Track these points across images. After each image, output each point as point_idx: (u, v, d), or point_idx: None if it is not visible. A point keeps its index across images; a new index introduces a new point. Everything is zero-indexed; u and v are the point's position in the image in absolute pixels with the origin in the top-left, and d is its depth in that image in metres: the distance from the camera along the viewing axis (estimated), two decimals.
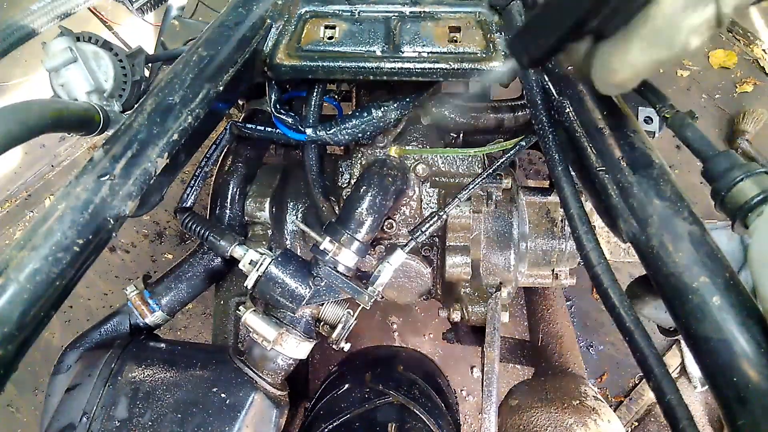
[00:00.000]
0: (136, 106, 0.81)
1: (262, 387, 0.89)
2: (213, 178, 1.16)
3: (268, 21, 0.95)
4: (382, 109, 0.99)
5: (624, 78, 0.58)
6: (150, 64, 1.04)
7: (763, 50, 2.46)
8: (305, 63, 0.93)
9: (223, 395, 0.86)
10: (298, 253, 0.99)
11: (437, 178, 1.15)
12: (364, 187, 0.99)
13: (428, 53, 0.92)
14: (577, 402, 1.12)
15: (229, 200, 1.12)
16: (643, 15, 0.52)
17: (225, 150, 1.15)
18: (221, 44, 0.87)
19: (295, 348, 0.93)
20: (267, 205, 1.12)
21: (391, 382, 1.09)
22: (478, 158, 1.17)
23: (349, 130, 0.98)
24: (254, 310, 0.92)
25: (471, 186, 1.03)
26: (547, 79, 0.85)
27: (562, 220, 1.17)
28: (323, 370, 1.98)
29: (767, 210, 0.58)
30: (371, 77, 0.93)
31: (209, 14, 2.28)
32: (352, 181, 1.15)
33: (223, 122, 1.06)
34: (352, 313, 0.96)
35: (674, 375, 2.10)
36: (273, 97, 0.99)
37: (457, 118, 1.12)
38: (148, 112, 0.78)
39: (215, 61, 0.85)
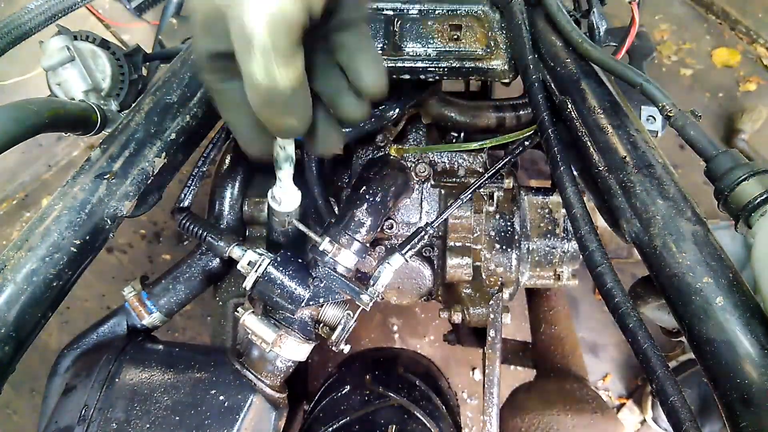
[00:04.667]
0: (133, 105, 0.80)
1: (261, 389, 0.88)
2: (211, 178, 1.15)
3: None
4: (380, 108, 0.98)
5: None
6: (148, 63, 1.04)
7: (767, 48, 2.45)
8: None
9: (221, 397, 0.85)
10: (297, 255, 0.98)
11: (438, 178, 1.15)
12: (364, 187, 0.99)
13: (429, 52, 0.92)
14: (580, 404, 1.12)
15: (227, 200, 1.11)
16: None
17: (223, 149, 1.14)
18: None
19: (295, 350, 0.92)
20: (266, 206, 1.11)
21: (392, 384, 1.08)
22: (480, 158, 1.17)
23: (347, 130, 0.98)
24: (253, 312, 0.91)
25: (473, 187, 1.02)
26: (549, 77, 0.85)
27: (564, 221, 1.16)
28: (323, 372, 1.98)
29: None
30: None
31: None
32: (352, 181, 1.14)
33: (221, 122, 1.06)
34: (351, 315, 0.95)
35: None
36: None
37: (457, 117, 1.11)
38: (145, 112, 0.78)
39: None
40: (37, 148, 2.37)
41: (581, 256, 0.74)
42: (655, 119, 0.98)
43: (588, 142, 0.76)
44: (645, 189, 0.67)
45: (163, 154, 0.76)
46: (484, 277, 1.13)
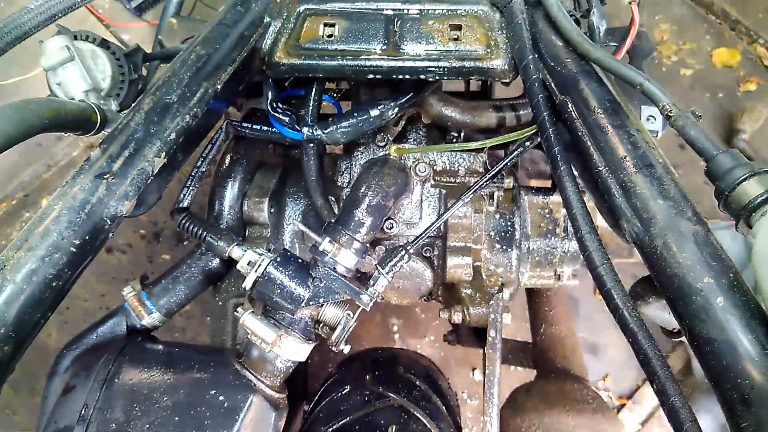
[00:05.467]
0: (133, 105, 0.80)
1: (261, 389, 0.88)
2: (211, 178, 1.15)
3: (267, 19, 0.94)
4: (379, 108, 0.98)
5: None
6: (148, 63, 1.04)
7: (767, 48, 2.45)
8: (304, 61, 0.92)
9: (221, 398, 0.85)
10: (298, 254, 0.98)
11: (438, 178, 1.15)
12: (364, 188, 0.99)
13: (429, 52, 0.91)
14: (580, 404, 1.12)
15: (227, 200, 1.11)
16: None
17: (223, 149, 1.14)
18: (219, 42, 0.87)
19: (294, 350, 0.92)
20: (266, 206, 1.11)
21: (392, 384, 1.08)
22: (480, 158, 1.17)
23: (346, 129, 0.98)
24: (252, 312, 0.91)
25: (474, 188, 1.02)
26: (549, 77, 0.85)
27: (564, 221, 1.16)
28: (323, 372, 1.98)
29: None
30: (371, 76, 0.92)
31: (207, 12, 2.28)
32: (353, 181, 1.14)
33: (221, 121, 1.06)
34: (351, 315, 0.95)
35: (677, 377, 2.09)
36: (270, 95, 0.98)
37: (457, 117, 1.11)
38: (145, 111, 0.78)
39: (213, 59, 0.85)
40: (37, 148, 2.37)
41: (581, 256, 0.74)
42: (655, 119, 0.98)
43: (588, 142, 0.75)
44: (645, 189, 0.67)
45: (163, 154, 0.76)
46: (484, 277, 1.13)
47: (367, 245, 0.97)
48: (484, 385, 0.98)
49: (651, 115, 0.98)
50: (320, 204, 1.07)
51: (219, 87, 0.84)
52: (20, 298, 0.62)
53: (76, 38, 0.90)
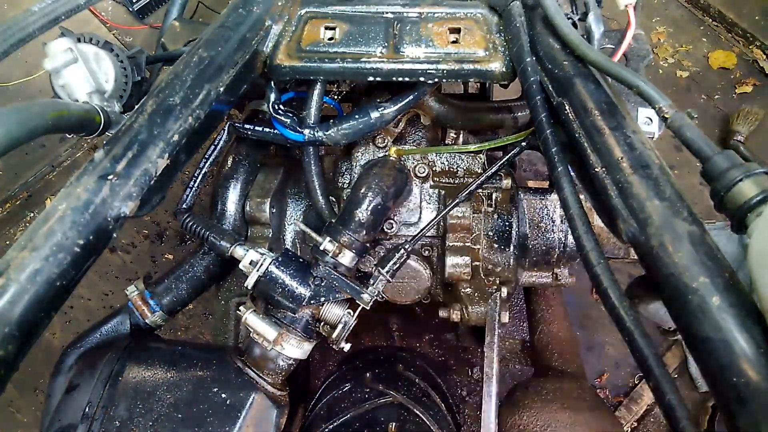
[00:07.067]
0: (136, 107, 0.81)
1: (263, 387, 0.89)
2: (213, 179, 1.16)
3: (268, 22, 0.95)
4: (379, 110, 0.99)
5: None
6: (151, 65, 1.04)
7: (763, 51, 2.46)
8: (305, 64, 0.93)
9: (223, 395, 0.86)
10: (299, 254, 0.99)
11: (438, 179, 1.16)
12: (364, 188, 1.00)
13: (428, 54, 0.92)
14: (577, 402, 1.12)
15: (229, 201, 1.12)
16: None
17: (225, 150, 1.15)
18: (221, 45, 0.87)
19: (296, 348, 0.93)
20: (267, 206, 1.12)
21: (391, 382, 1.09)
22: (479, 159, 1.17)
23: (346, 131, 0.99)
24: (254, 311, 0.92)
25: (471, 186, 1.03)
26: (546, 79, 0.86)
27: (561, 221, 1.17)
28: (323, 370, 1.98)
29: (766, 210, 0.58)
30: (371, 78, 0.93)
31: (209, 15, 2.28)
32: (353, 182, 1.15)
33: (223, 123, 1.07)
34: (352, 314, 0.96)
35: (673, 375, 2.10)
36: (271, 97, 0.99)
37: (456, 119, 1.12)
38: (148, 113, 0.78)
39: (215, 62, 0.85)
40: (41, 149, 2.37)
41: (578, 256, 0.74)
42: (651, 121, 0.99)
43: (585, 144, 0.76)
44: (641, 189, 0.68)
45: (166, 155, 0.77)
46: (482, 276, 1.14)
47: (367, 245, 0.98)
48: (482, 383, 0.99)
49: (647, 117, 0.99)
50: (321, 204, 1.08)
51: (221, 89, 0.85)
52: (24, 298, 0.62)
53: (79, 40, 0.91)
